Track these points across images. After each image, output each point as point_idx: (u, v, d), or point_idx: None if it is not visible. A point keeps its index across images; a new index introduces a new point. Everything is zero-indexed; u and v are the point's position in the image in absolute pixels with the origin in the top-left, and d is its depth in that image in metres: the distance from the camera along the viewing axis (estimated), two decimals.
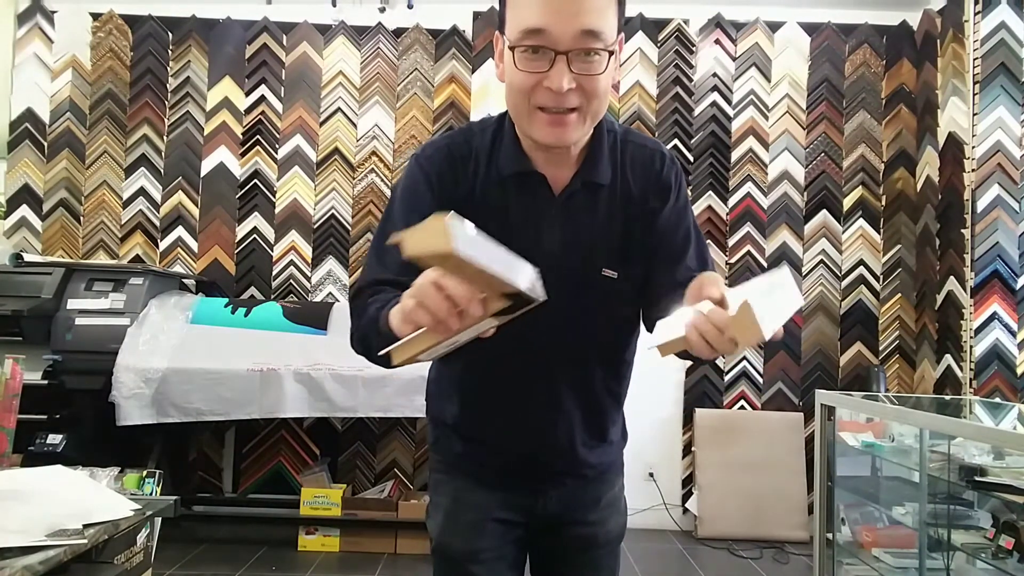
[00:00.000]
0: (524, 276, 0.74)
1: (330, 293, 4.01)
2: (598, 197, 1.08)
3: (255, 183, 4.06)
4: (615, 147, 1.10)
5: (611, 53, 0.96)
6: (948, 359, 3.64)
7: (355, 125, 4.09)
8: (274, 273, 4.04)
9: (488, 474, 1.16)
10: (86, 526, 1.12)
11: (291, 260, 4.04)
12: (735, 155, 4.09)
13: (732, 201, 4.08)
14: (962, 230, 3.58)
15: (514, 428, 1.13)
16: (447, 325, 0.74)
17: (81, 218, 4.07)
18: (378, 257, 1.05)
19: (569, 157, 1.06)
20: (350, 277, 4.03)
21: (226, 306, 3.44)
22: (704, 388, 4.02)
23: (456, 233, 0.65)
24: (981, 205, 3.54)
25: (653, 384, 3.68)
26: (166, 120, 4.10)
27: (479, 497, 1.15)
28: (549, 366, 1.09)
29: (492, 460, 1.15)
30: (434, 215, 0.66)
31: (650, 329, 1.02)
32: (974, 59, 3.61)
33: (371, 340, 0.95)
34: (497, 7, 1.03)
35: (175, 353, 3.14)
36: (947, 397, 3.42)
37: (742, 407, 4.01)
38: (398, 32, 4.12)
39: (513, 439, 1.14)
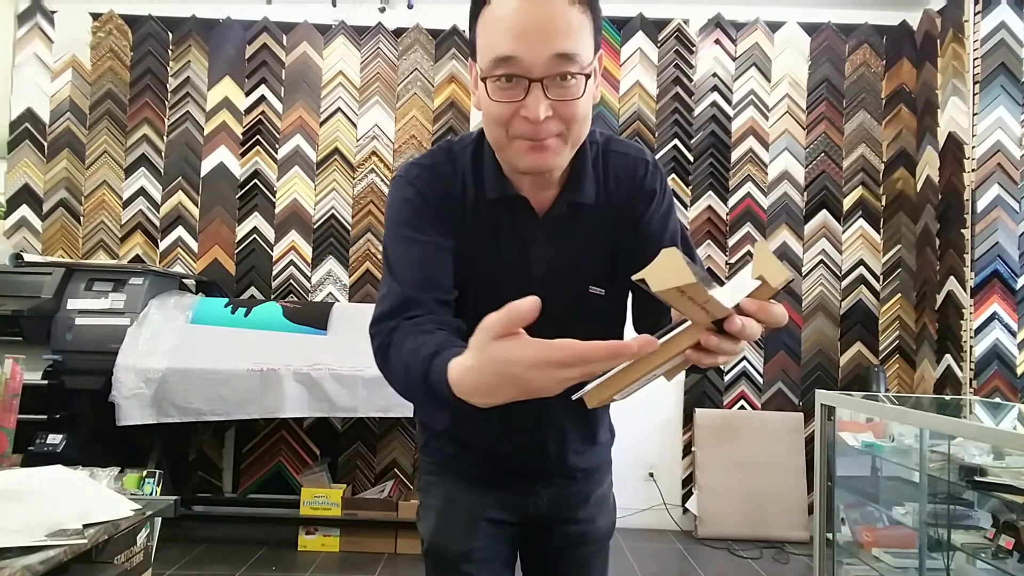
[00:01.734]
0: (731, 300, 0.72)
1: (330, 293, 4.01)
2: (582, 216, 1.07)
3: (255, 183, 4.07)
4: (598, 161, 1.08)
5: (588, 76, 0.92)
6: (948, 359, 3.64)
7: (355, 125, 4.09)
8: (274, 273, 4.04)
9: (481, 475, 1.16)
10: (86, 526, 1.12)
11: (291, 260, 4.04)
12: (735, 155, 4.09)
13: (732, 201, 4.08)
14: (962, 230, 3.58)
15: (505, 439, 1.13)
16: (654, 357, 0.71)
17: (81, 218, 4.07)
18: (395, 280, 1.01)
19: (552, 179, 1.04)
20: (350, 277, 4.03)
21: (226, 306, 3.44)
22: (704, 388, 4.02)
23: (690, 266, 0.65)
24: (981, 205, 3.54)
25: (653, 384, 3.68)
26: (166, 120, 4.10)
27: (472, 497, 1.16)
28: None
29: (484, 462, 1.16)
30: (664, 250, 0.65)
31: (639, 332, 1.01)
32: (974, 59, 3.61)
33: (427, 399, 0.88)
34: (468, 34, 0.99)
35: (175, 353, 3.14)
36: (947, 397, 3.42)
37: (742, 407, 4.01)
38: (398, 32, 4.12)
39: (504, 448, 1.15)
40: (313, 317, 3.43)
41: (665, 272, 0.66)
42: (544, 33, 0.88)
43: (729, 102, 4.11)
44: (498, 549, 1.17)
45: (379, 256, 4.02)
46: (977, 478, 2.14)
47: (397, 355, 0.93)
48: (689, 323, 0.72)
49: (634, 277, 0.69)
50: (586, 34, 0.92)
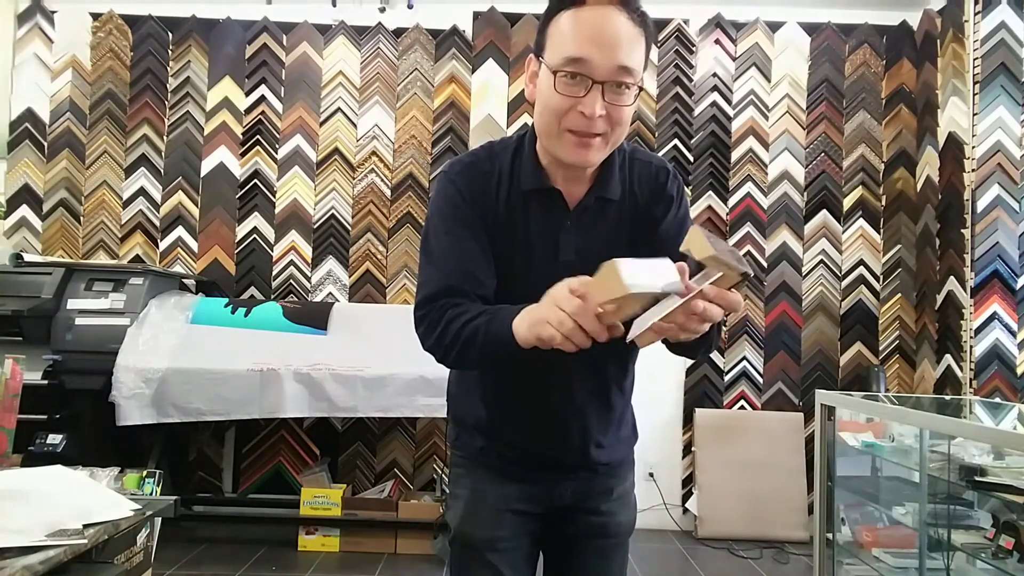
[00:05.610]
0: (668, 279, 0.85)
1: (330, 293, 4.01)
2: (608, 210, 1.17)
3: (255, 183, 4.06)
4: (624, 164, 1.19)
5: (640, 88, 1.07)
6: (948, 359, 3.64)
7: (355, 125, 4.09)
8: (274, 273, 4.04)
9: (507, 467, 1.22)
10: (86, 526, 1.12)
11: (291, 260, 4.04)
12: (735, 155, 4.09)
13: (732, 201, 4.08)
14: (962, 230, 3.58)
15: (533, 427, 1.20)
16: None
17: (81, 218, 4.07)
18: (436, 268, 1.13)
19: (584, 174, 1.15)
20: (350, 277, 4.03)
21: (226, 306, 3.44)
22: (704, 388, 4.01)
23: (624, 274, 0.78)
24: (981, 205, 3.54)
25: (653, 384, 3.69)
26: (166, 120, 4.10)
27: (499, 489, 1.22)
28: (566, 363, 1.14)
29: (511, 454, 1.22)
30: (603, 264, 0.81)
31: None
32: (974, 59, 3.61)
33: (484, 349, 1.05)
34: (536, 33, 1.12)
35: (175, 353, 3.14)
36: (947, 397, 3.41)
37: (742, 407, 4.01)
38: (398, 32, 4.12)
39: (531, 438, 1.21)
40: (313, 317, 3.43)
41: (604, 285, 0.80)
42: (613, 46, 1.03)
43: (729, 102, 4.11)
44: (521, 542, 1.23)
45: (378, 256, 4.02)
46: (977, 478, 2.14)
47: (453, 321, 1.06)
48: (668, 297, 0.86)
49: (579, 292, 0.84)
50: (642, 53, 1.07)
